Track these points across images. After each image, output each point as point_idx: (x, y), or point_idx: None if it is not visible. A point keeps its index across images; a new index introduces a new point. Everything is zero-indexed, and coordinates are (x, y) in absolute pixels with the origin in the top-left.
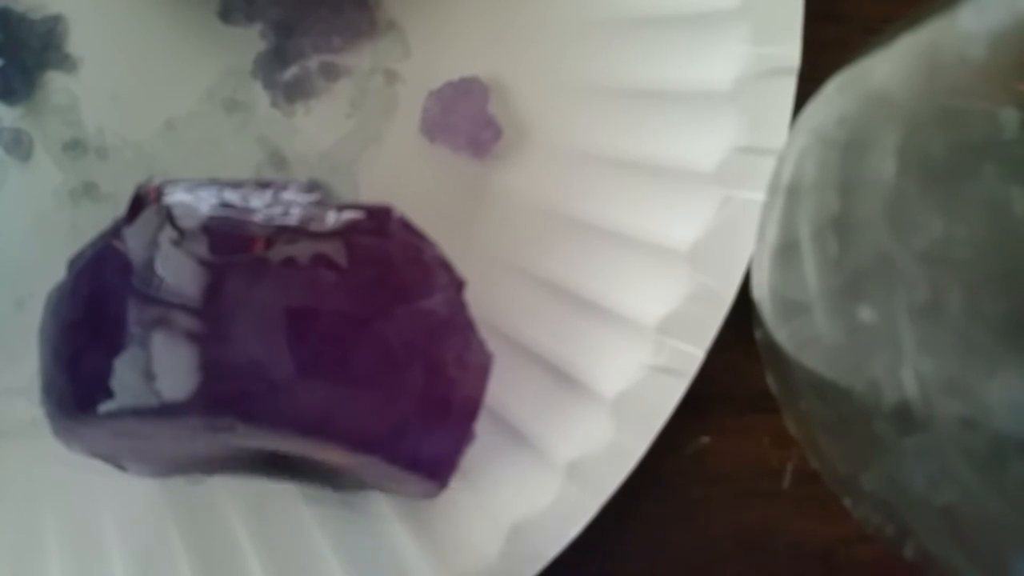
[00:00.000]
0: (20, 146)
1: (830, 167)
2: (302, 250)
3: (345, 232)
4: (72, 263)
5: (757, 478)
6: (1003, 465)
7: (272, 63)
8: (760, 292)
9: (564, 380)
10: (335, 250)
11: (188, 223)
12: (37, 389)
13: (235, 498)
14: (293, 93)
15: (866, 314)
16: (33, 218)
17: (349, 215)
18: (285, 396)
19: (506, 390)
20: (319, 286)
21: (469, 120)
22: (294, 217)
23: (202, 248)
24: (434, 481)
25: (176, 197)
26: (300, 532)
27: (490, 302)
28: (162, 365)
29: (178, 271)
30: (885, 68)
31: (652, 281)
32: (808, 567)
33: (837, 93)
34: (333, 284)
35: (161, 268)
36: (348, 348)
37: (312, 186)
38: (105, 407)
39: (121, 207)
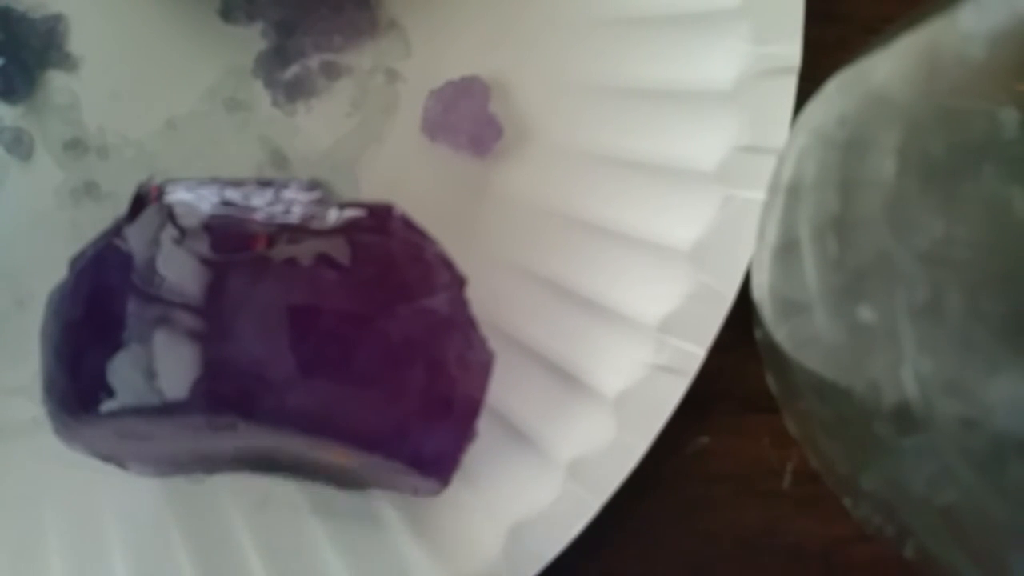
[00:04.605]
0: (21, 145)
1: (830, 167)
2: (303, 248)
3: (346, 230)
4: (73, 262)
5: (757, 478)
6: (1003, 465)
7: (273, 62)
8: (760, 292)
9: (565, 379)
10: (336, 248)
11: (189, 222)
12: (39, 388)
13: (237, 497)
14: (294, 92)
15: (866, 314)
16: (34, 217)
17: (350, 213)
18: (287, 394)
19: (507, 389)
20: (320, 284)
21: (470, 119)
22: (295, 215)
23: (203, 246)
24: (436, 479)
25: (177, 196)
26: (301, 530)
27: (492, 300)
28: (163, 364)
29: (179, 270)
30: (885, 68)
31: (653, 280)
32: (808, 567)
33: (837, 93)
34: (334, 282)
35: (162, 267)
36: (349, 346)
37: (313, 185)
38: (107, 406)
39: (122, 206)
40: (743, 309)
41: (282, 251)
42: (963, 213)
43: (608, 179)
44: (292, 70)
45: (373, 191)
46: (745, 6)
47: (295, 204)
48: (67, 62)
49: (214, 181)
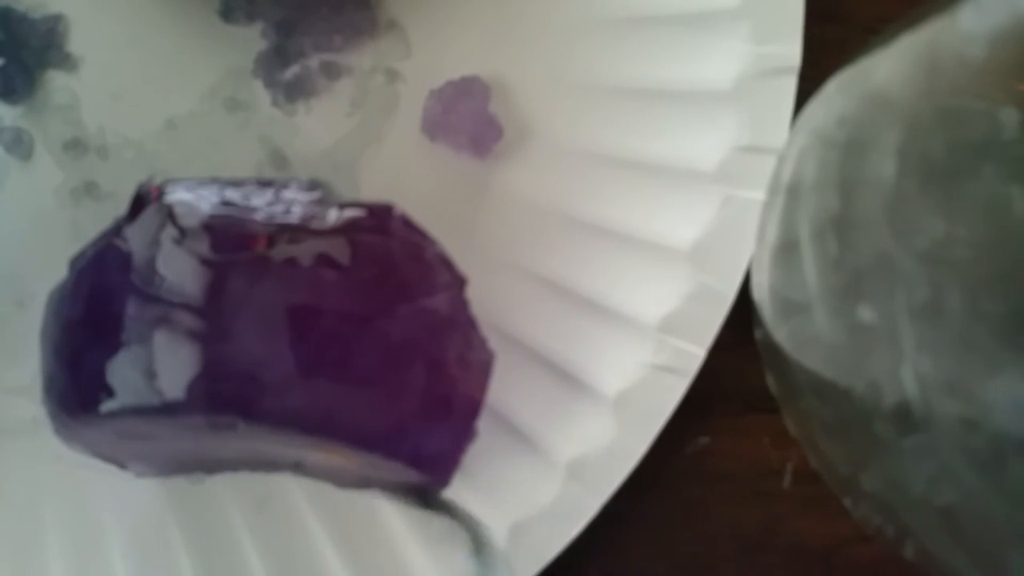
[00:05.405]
0: (21, 145)
1: (830, 167)
2: (303, 248)
3: (346, 230)
4: (73, 262)
5: (757, 478)
6: (1003, 465)
7: (273, 62)
8: (760, 292)
9: (565, 379)
10: (336, 248)
11: (189, 222)
12: (39, 388)
13: (236, 497)
14: (294, 92)
15: (866, 314)
16: (34, 217)
17: (350, 213)
18: (286, 394)
19: (507, 389)
20: (320, 284)
21: (470, 119)
22: (295, 215)
23: (203, 247)
24: (435, 479)
25: (177, 196)
26: (301, 531)
27: (492, 300)
28: (163, 364)
29: (179, 270)
30: (885, 68)
31: (653, 280)
32: (808, 567)
33: (837, 93)
34: (334, 282)
35: (162, 267)
36: (349, 346)
37: (313, 185)
38: (107, 406)
39: (122, 206)
40: (743, 309)
41: (282, 251)
42: (963, 213)
43: (608, 179)
44: (292, 70)
45: (373, 191)
46: (745, 6)
47: (295, 204)
48: (67, 62)
49: (214, 181)
